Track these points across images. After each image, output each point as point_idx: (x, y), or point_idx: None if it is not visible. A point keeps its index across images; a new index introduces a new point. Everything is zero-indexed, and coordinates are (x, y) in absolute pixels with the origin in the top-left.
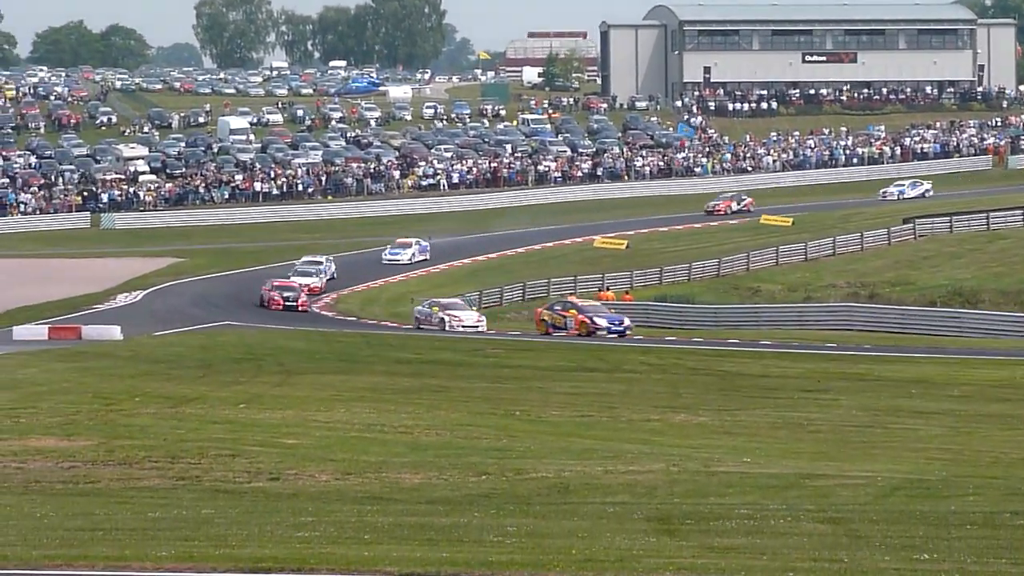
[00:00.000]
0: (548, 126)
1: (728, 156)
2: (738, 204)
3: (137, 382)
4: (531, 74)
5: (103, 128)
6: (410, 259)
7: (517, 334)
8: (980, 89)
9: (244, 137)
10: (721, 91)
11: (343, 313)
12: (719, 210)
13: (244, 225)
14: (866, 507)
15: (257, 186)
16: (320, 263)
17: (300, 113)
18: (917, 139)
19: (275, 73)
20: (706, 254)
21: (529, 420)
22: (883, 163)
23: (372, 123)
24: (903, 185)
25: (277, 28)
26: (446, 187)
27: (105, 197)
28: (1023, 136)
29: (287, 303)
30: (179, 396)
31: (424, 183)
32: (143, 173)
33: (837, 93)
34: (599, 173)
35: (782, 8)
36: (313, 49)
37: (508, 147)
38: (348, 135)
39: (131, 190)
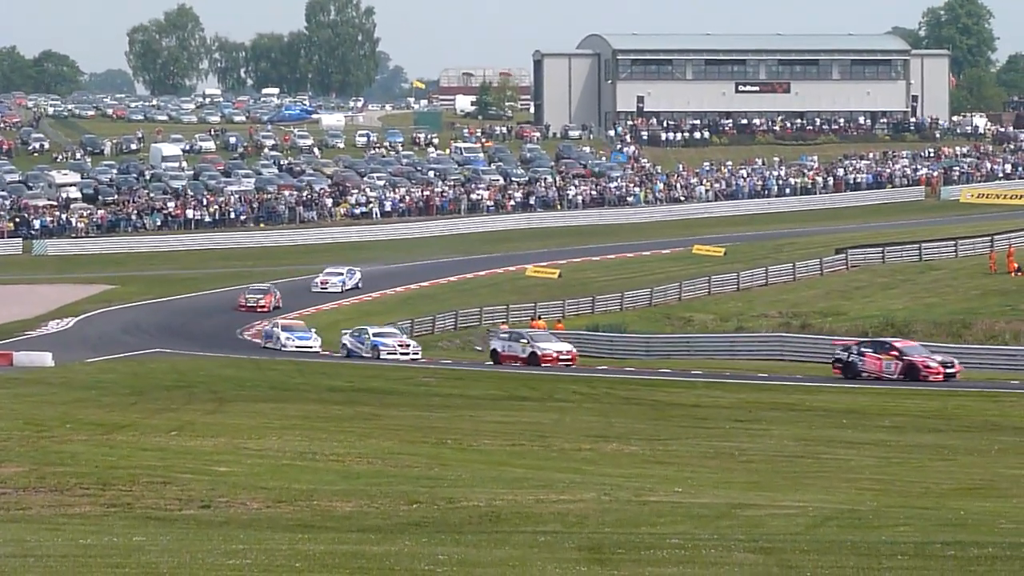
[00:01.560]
0: (481, 155)
1: (660, 186)
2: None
3: (68, 409)
4: (464, 103)
5: (35, 154)
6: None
7: (448, 363)
8: (913, 120)
9: (176, 164)
10: (654, 120)
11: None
12: (261, 307)
13: (176, 252)
14: (797, 537)
15: (189, 213)
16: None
17: (233, 140)
18: (850, 169)
19: (208, 100)
20: (638, 283)
21: (461, 449)
22: (816, 193)
23: (305, 151)
24: (341, 274)
25: (210, 55)
26: (379, 215)
27: (37, 223)
28: (956, 167)
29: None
30: (111, 423)
31: (357, 211)
32: (75, 200)
33: (770, 123)
34: (532, 202)
35: (716, 38)
36: (246, 76)
37: (441, 176)
38: (281, 163)
39: (63, 217)
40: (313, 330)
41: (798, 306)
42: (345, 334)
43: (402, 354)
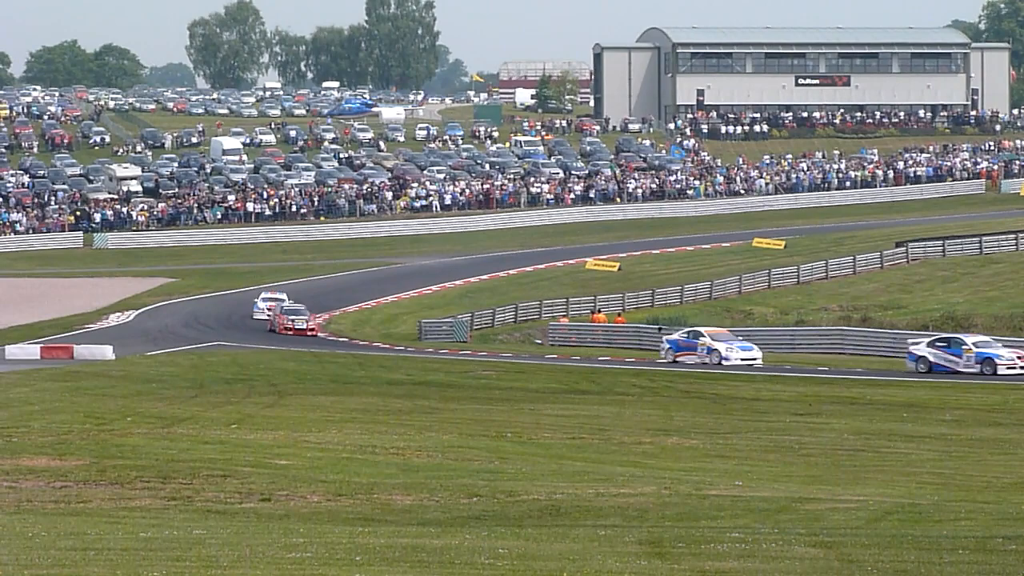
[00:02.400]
0: (541, 148)
1: (720, 179)
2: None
3: (129, 402)
4: (524, 96)
5: (96, 148)
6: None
7: (509, 356)
8: (973, 113)
9: (237, 157)
10: (714, 114)
11: (335, 334)
12: (311, 331)
13: (236, 245)
14: (858, 531)
15: (249, 206)
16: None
17: (293, 134)
18: (910, 163)
19: (268, 94)
20: (698, 277)
21: (520, 442)
22: (876, 187)
23: (366, 144)
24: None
25: (271, 49)
26: (438, 208)
27: (98, 217)
28: (1016, 160)
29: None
30: (171, 416)
31: (416, 204)
32: (136, 193)
33: (830, 116)
34: (592, 195)
35: (776, 31)
36: (306, 70)
37: (500, 169)
38: (341, 156)
39: (124, 210)
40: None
41: (858, 299)
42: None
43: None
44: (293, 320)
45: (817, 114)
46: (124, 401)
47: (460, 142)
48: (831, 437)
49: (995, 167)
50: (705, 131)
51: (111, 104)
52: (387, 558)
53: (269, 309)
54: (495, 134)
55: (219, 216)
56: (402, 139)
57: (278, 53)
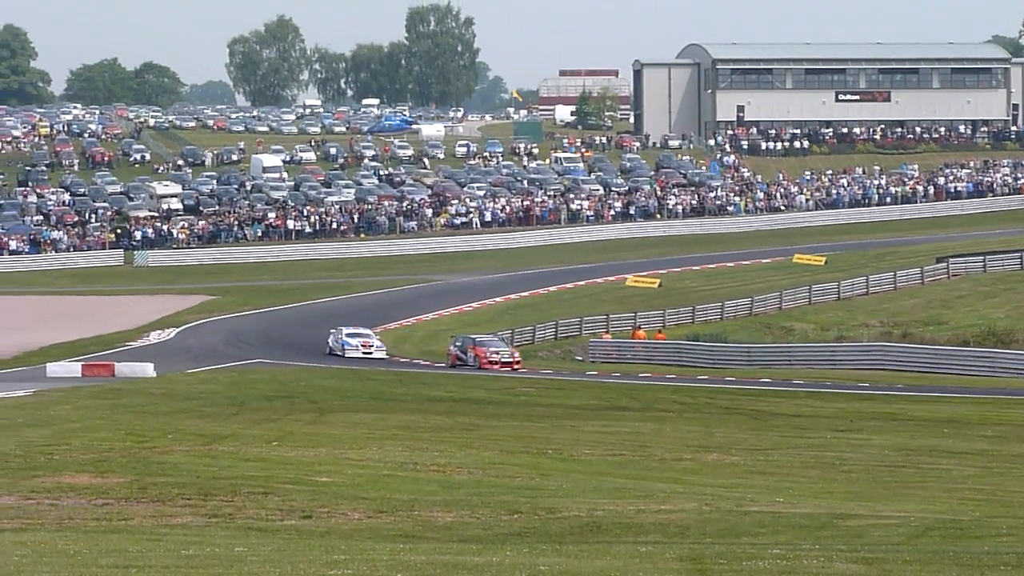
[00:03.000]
0: (581, 164)
1: (761, 195)
2: None
3: (170, 419)
4: (564, 112)
5: (136, 165)
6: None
7: (549, 373)
8: (1014, 128)
9: (277, 175)
10: (754, 130)
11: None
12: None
13: (277, 263)
14: (899, 547)
15: (290, 224)
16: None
17: (333, 151)
18: (951, 178)
19: (308, 111)
20: (739, 293)
21: (561, 459)
22: (916, 202)
23: (406, 161)
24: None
25: (310, 66)
26: (478, 225)
27: (138, 234)
28: None
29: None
30: (212, 433)
31: (457, 221)
32: (176, 211)
33: (870, 132)
34: (632, 212)
35: (815, 47)
36: (346, 87)
37: (540, 186)
38: (381, 173)
39: (164, 227)
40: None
41: (899, 315)
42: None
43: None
44: (497, 353)
45: (857, 130)
46: (165, 418)
47: (500, 159)
48: (872, 453)
49: None
50: (745, 147)
51: (151, 122)
52: (428, 575)
53: (364, 346)
54: (535, 151)
55: (259, 233)
56: (442, 156)
57: (318, 70)
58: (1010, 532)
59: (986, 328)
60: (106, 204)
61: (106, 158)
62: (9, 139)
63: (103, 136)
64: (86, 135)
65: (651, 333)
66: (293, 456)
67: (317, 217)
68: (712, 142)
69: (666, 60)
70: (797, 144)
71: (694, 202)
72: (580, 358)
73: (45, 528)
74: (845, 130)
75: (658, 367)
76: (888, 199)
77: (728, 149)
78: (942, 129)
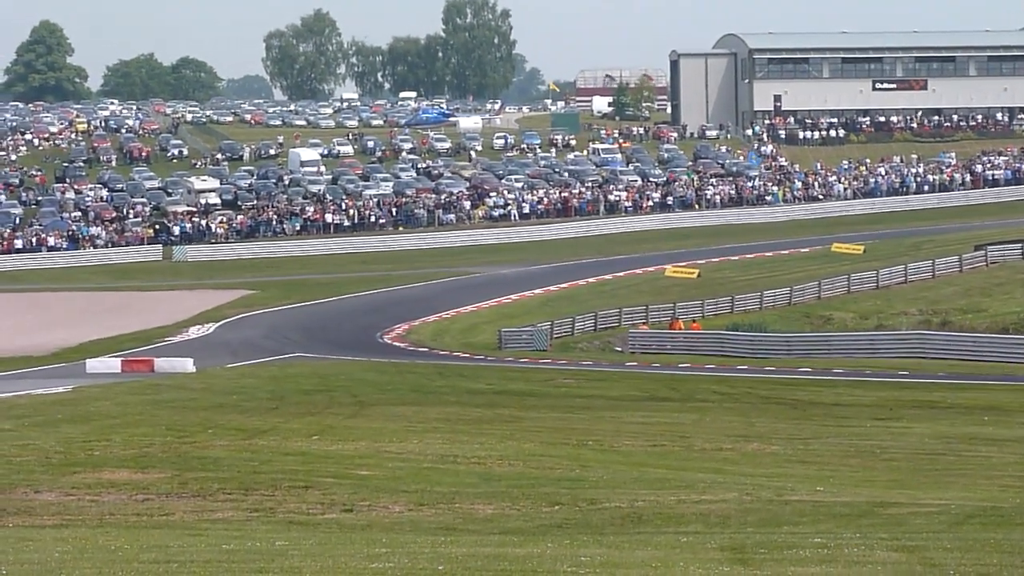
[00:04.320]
0: (618, 156)
1: (798, 184)
2: None
3: (210, 414)
4: (601, 104)
5: (174, 161)
6: None
7: (589, 364)
8: None
9: (315, 169)
10: (791, 119)
11: (415, 344)
12: None
13: (315, 256)
14: (940, 535)
15: (328, 218)
16: None
17: (371, 144)
18: (988, 166)
19: (345, 105)
20: (777, 282)
21: (601, 450)
22: (954, 190)
23: (445, 154)
24: None
25: (347, 60)
26: (517, 217)
27: (177, 230)
28: None
29: None
30: (252, 428)
31: (495, 214)
32: (215, 205)
33: (908, 120)
34: (670, 202)
35: (852, 36)
36: (383, 80)
37: (578, 177)
38: (419, 166)
39: (203, 222)
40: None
41: (938, 303)
42: None
43: None
44: None
45: (895, 118)
46: (205, 414)
47: (538, 151)
48: (912, 441)
49: None
50: (782, 137)
51: (188, 117)
52: (470, 567)
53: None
54: (573, 142)
55: (298, 227)
56: (479, 148)
57: (355, 64)
58: None
59: None
60: (144, 199)
61: (144, 153)
62: (47, 135)
63: (140, 131)
64: (123, 131)
65: (687, 323)
66: (333, 450)
67: (355, 210)
68: (749, 132)
69: (703, 50)
70: (834, 133)
71: (732, 192)
72: (619, 349)
73: (86, 524)
74: (882, 119)
75: (697, 357)
76: (926, 187)
77: (765, 139)
78: (979, 117)
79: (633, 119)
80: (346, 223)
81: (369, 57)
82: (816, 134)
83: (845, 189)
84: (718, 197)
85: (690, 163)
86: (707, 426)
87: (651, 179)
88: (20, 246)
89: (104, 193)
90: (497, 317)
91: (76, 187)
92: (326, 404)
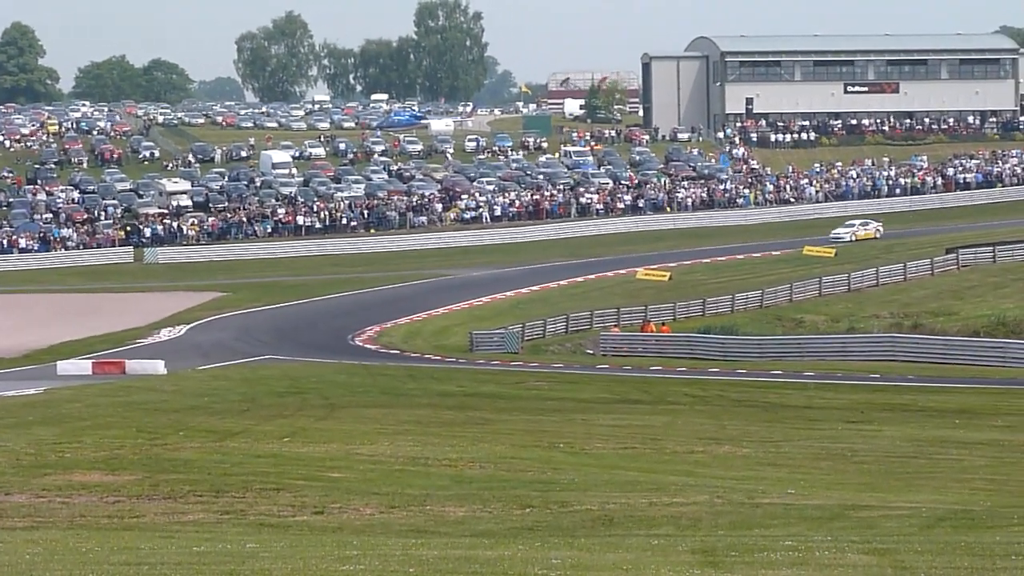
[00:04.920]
0: (590, 158)
1: (770, 187)
2: None
3: (181, 416)
4: (573, 106)
5: (146, 163)
6: None
7: (560, 366)
8: (1023, 119)
9: (286, 171)
10: (763, 122)
11: (386, 346)
12: None
13: (287, 259)
14: (911, 538)
15: (300, 220)
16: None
17: (342, 146)
18: (960, 169)
19: (317, 107)
20: (749, 285)
21: (573, 452)
22: (926, 193)
23: (416, 156)
24: None
25: (319, 62)
26: (488, 220)
27: (148, 232)
28: None
29: None
30: (223, 430)
31: (467, 216)
32: (186, 208)
33: (879, 123)
34: (641, 205)
35: (824, 39)
36: (355, 82)
37: (550, 179)
38: (390, 168)
39: (174, 224)
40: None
41: (909, 306)
42: None
43: None
44: None
45: (866, 121)
46: (176, 416)
47: (509, 153)
48: (883, 444)
49: None
50: (754, 139)
51: (160, 119)
52: (440, 570)
53: None
54: (544, 145)
55: (269, 230)
56: (451, 151)
57: (327, 66)
58: (1021, 522)
59: (996, 319)
60: (115, 201)
61: (115, 155)
62: (18, 137)
63: (112, 133)
64: (95, 132)
65: (657, 326)
66: (304, 452)
67: (327, 213)
68: (721, 134)
69: (675, 53)
70: (806, 136)
71: (704, 195)
72: (591, 351)
73: (57, 526)
74: (854, 122)
75: (669, 360)
76: (897, 190)
77: (737, 141)
78: (951, 120)
79: (605, 122)
80: (318, 225)
81: (341, 59)
82: (788, 137)
83: (817, 192)
84: (690, 200)
85: (662, 166)
86: (678, 429)
87: (623, 181)
88: None
89: (75, 195)
90: (468, 319)
91: (47, 189)
92: (297, 406)
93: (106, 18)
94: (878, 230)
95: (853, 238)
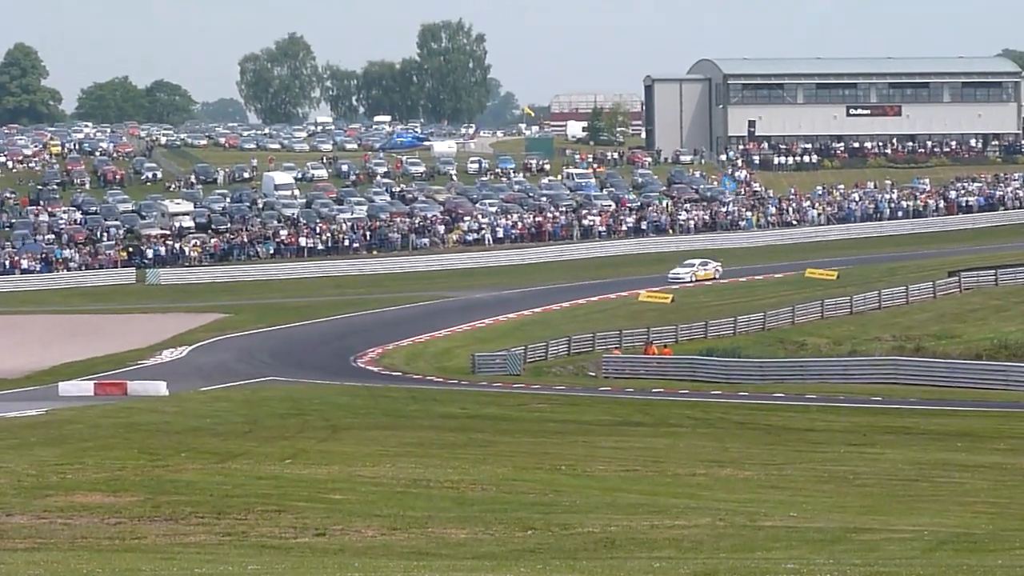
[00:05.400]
0: (593, 180)
1: (772, 210)
2: None
3: (183, 438)
4: (575, 128)
5: (148, 184)
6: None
7: (562, 388)
8: None
9: (289, 192)
10: (766, 145)
11: (388, 368)
12: None
13: (289, 280)
14: (913, 561)
15: (302, 241)
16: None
17: (345, 168)
18: (962, 192)
19: (320, 128)
20: (751, 308)
21: (575, 475)
22: (928, 216)
23: (419, 178)
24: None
25: (322, 83)
26: (491, 242)
27: (150, 253)
28: None
29: None
30: (225, 451)
31: (469, 238)
32: (188, 229)
33: (882, 146)
34: (644, 227)
35: (826, 62)
36: (358, 104)
37: (552, 202)
38: (393, 190)
39: (176, 245)
40: None
41: (911, 329)
42: None
43: None
44: None
45: (868, 144)
46: (178, 437)
47: (512, 175)
48: (885, 467)
49: None
50: (757, 162)
51: (163, 140)
52: None
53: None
54: (547, 167)
55: (271, 251)
56: (454, 172)
57: (329, 87)
58: None
59: (998, 342)
60: (118, 222)
61: (118, 176)
62: (20, 158)
63: (114, 154)
64: (97, 153)
65: (659, 348)
66: (306, 474)
67: (329, 234)
68: (724, 157)
69: (677, 75)
70: (808, 159)
71: (706, 217)
72: (593, 374)
73: (58, 547)
74: (856, 144)
75: (671, 382)
76: (900, 213)
77: (739, 164)
78: (953, 143)
79: (607, 144)
80: (320, 247)
81: (344, 81)
82: (790, 159)
83: (819, 215)
84: (692, 222)
85: (664, 188)
86: (680, 451)
87: (625, 204)
88: None
89: (78, 216)
90: (471, 341)
91: (50, 210)
92: (299, 428)
93: (109, 39)
94: (717, 269)
95: (693, 278)
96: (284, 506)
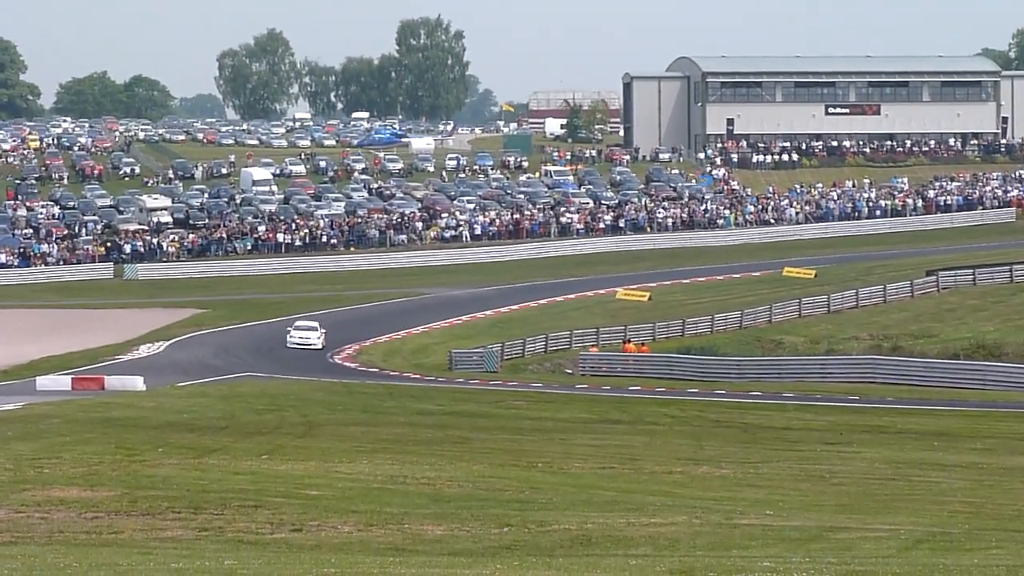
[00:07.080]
0: (571, 178)
1: (750, 208)
2: None
3: (160, 433)
4: (554, 126)
5: (126, 179)
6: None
7: (539, 386)
8: (1004, 141)
9: (267, 188)
10: (744, 143)
11: (365, 364)
12: None
13: (266, 276)
14: (889, 560)
15: (280, 237)
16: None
17: (323, 164)
18: (940, 191)
19: (298, 124)
20: (729, 306)
21: (551, 472)
22: (906, 215)
23: (397, 174)
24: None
25: (300, 79)
26: (468, 239)
27: (128, 248)
28: None
29: None
30: (202, 447)
31: (447, 235)
32: (166, 224)
33: (860, 145)
34: (622, 225)
35: (805, 60)
36: (336, 100)
37: (530, 199)
38: (371, 186)
39: (154, 241)
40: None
41: (889, 328)
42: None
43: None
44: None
45: (847, 143)
46: (155, 432)
47: (490, 172)
48: (862, 466)
49: None
50: (735, 160)
51: (141, 135)
52: None
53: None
54: (525, 164)
55: (249, 247)
56: (432, 169)
57: (308, 84)
58: (999, 545)
59: (976, 341)
60: (96, 217)
61: (96, 171)
62: None
63: (93, 149)
64: (76, 148)
65: (636, 346)
66: (283, 469)
67: (307, 230)
68: (702, 155)
69: (656, 73)
70: (787, 157)
71: (684, 215)
72: (570, 371)
73: (35, 542)
74: (835, 143)
75: (648, 380)
76: (878, 212)
77: (718, 162)
78: (932, 142)
79: (586, 141)
80: (298, 243)
81: (322, 77)
82: (768, 158)
83: (797, 213)
84: (670, 220)
85: (642, 186)
86: (657, 449)
87: (603, 201)
88: None
89: (56, 210)
90: (448, 338)
91: (28, 204)
92: (276, 424)
93: (88, 34)
94: (319, 337)
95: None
96: (261, 502)
